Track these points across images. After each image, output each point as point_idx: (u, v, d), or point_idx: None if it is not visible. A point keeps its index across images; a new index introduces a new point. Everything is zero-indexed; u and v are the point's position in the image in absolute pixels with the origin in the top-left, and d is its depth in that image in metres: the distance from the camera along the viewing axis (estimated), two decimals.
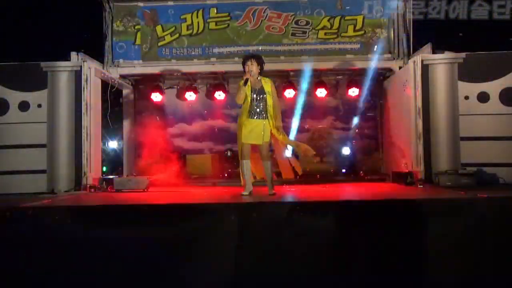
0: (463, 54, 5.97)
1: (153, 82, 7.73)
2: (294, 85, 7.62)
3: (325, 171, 7.83)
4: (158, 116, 8.03)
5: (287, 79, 7.70)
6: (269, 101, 4.88)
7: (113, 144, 7.12)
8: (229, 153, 7.76)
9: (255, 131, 4.84)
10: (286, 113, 7.85)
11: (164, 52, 7.15)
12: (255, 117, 4.88)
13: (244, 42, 7.08)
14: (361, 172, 7.72)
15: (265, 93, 4.90)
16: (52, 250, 3.40)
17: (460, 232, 3.42)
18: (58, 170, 5.85)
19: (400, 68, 6.95)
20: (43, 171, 5.84)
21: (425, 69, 5.96)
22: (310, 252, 3.37)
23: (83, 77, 5.92)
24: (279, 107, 5.04)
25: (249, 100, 4.88)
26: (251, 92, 4.88)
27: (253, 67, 4.89)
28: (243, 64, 4.98)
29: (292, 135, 7.71)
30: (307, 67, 7.18)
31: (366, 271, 3.32)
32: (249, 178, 4.93)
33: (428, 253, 3.36)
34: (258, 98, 4.89)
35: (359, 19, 6.99)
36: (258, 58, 5.01)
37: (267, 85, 4.94)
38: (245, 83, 4.82)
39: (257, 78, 4.95)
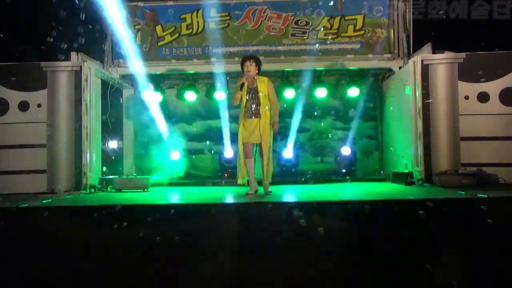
0: (463, 54, 5.97)
1: (153, 82, 7.72)
2: (294, 85, 7.62)
3: (325, 171, 7.85)
4: (158, 116, 8.02)
5: (287, 79, 7.70)
6: (261, 98, 4.97)
7: (113, 144, 7.10)
8: (228, 153, 7.75)
9: (252, 130, 4.96)
10: (286, 113, 7.86)
11: (164, 52, 7.15)
12: (248, 116, 4.99)
13: (244, 42, 7.08)
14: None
15: (258, 92, 4.98)
16: (52, 250, 3.39)
17: (460, 232, 3.42)
18: (58, 170, 5.85)
19: (400, 68, 6.96)
20: (43, 171, 5.84)
21: (425, 69, 5.96)
22: (309, 252, 3.37)
23: (83, 77, 5.92)
24: (275, 104, 5.08)
25: (244, 101, 5.00)
26: (246, 93, 5.00)
27: (251, 67, 5.01)
28: (242, 65, 5.08)
29: (292, 135, 7.74)
30: (307, 67, 7.19)
31: (366, 271, 3.33)
32: (253, 177, 5.02)
33: (428, 253, 3.36)
34: (252, 97, 5.00)
35: (359, 19, 6.99)
36: (256, 58, 5.13)
37: (262, 84, 5.02)
38: (241, 87, 4.96)
39: (254, 77, 5.04)
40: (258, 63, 5.08)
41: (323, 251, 3.38)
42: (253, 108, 4.98)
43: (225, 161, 7.86)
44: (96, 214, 3.68)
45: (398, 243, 3.38)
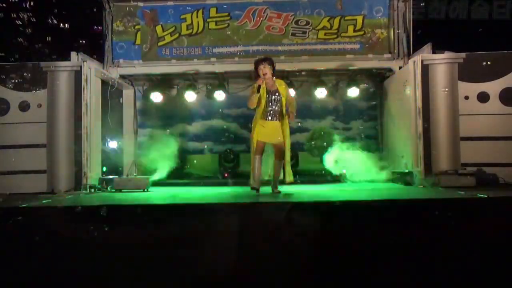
0: (463, 54, 5.97)
1: (153, 82, 7.73)
2: (294, 85, 7.62)
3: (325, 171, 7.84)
4: (157, 116, 8.03)
5: (287, 79, 7.70)
6: (283, 102, 5.00)
7: (113, 144, 7.10)
8: (229, 153, 7.76)
9: (269, 132, 4.97)
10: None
11: (164, 52, 7.15)
12: (269, 119, 5.00)
13: (244, 42, 7.09)
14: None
15: (279, 95, 4.99)
16: (52, 250, 3.39)
17: (460, 232, 3.42)
18: (58, 170, 5.85)
19: (400, 68, 6.96)
20: (43, 171, 5.84)
21: (425, 69, 5.96)
22: (309, 252, 3.37)
23: (83, 77, 5.92)
24: (295, 102, 5.21)
25: (264, 102, 4.96)
26: (266, 94, 4.96)
27: (266, 69, 4.96)
28: (256, 68, 5.05)
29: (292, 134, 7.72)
30: (307, 67, 7.19)
31: (366, 271, 3.32)
32: (259, 172, 5.06)
33: (428, 254, 3.36)
34: (273, 99, 4.99)
35: (359, 19, 7.00)
36: (269, 60, 5.08)
37: (281, 87, 5.05)
38: (258, 90, 4.88)
39: (273, 79, 5.04)
40: (272, 64, 5.03)
41: (322, 251, 3.38)
42: (273, 111, 4.98)
43: (225, 161, 7.85)
44: (96, 214, 3.68)
45: (398, 244, 3.38)
